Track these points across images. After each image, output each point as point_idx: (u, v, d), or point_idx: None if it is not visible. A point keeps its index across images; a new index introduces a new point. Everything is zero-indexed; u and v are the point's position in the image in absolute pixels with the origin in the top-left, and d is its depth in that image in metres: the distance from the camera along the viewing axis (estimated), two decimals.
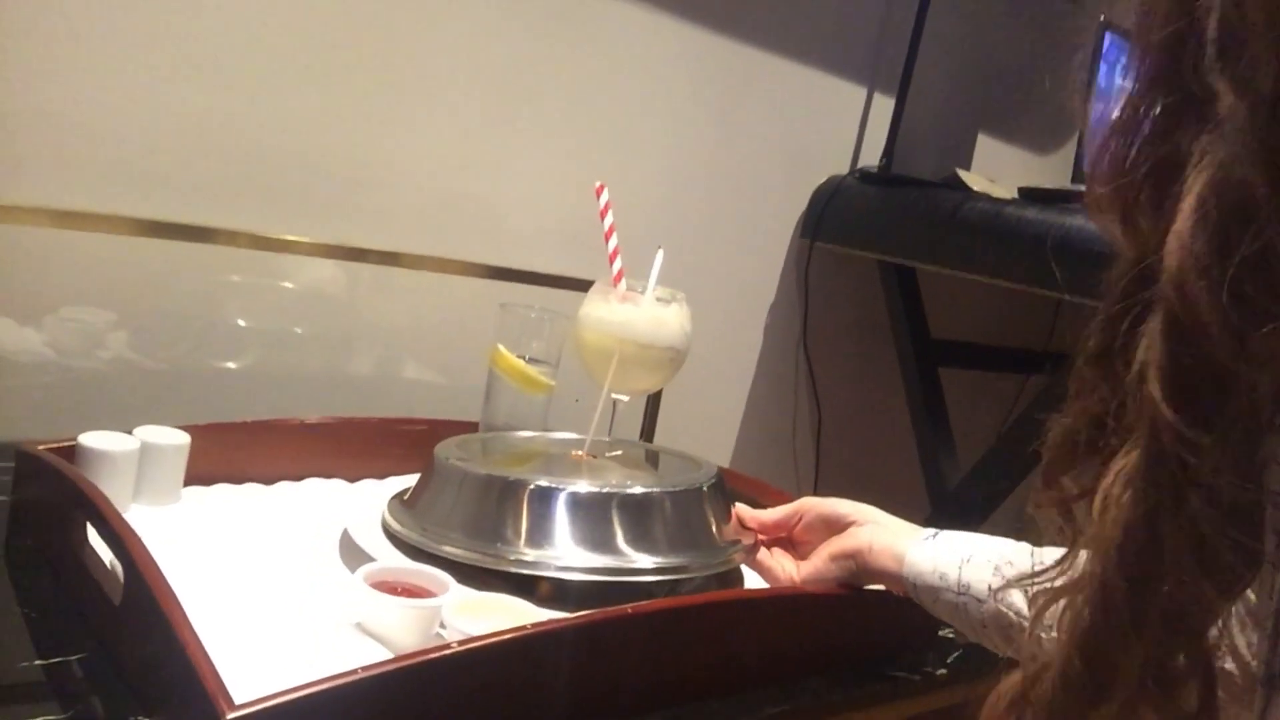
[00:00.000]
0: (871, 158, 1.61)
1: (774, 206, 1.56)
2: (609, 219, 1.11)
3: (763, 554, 0.85)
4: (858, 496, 1.18)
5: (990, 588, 0.71)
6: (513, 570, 0.76)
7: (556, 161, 1.32)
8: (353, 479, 1.01)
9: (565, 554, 0.77)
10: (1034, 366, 2.07)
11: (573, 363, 1.08)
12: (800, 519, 0.86)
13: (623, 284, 1.07)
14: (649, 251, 1.10)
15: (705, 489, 0.85)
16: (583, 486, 0.79)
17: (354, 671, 0.54)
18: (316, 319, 1.19)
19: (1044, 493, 0.46)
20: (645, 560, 0.78)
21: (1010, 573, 0.71)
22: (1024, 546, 0.74)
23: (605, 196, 1.12)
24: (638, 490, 0.81)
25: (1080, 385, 0.44)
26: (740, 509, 0.88)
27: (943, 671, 0.88)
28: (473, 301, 1.28)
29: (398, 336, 1.25)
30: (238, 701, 0.50)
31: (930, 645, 0.91)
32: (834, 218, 1.54)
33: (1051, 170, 1.96)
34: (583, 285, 1.36)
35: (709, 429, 1.58)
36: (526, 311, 1.06)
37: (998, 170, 1.75)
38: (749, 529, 0.87)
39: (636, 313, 1.03)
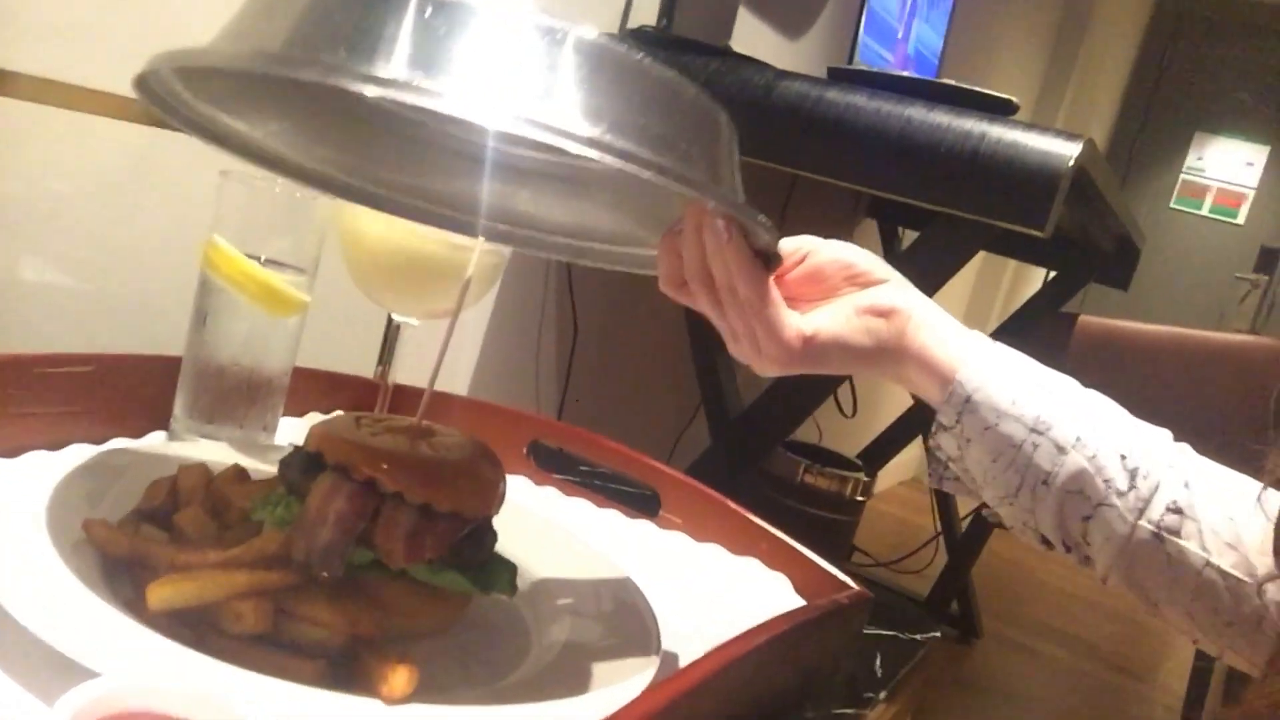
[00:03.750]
0: (644, 17, 1.33)
1: None
2: None
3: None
4: (613, 428, 0.91)
5: (1079, 437, 0.54)
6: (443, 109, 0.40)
7: None
8: None
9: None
10: None
11: (335, 269, 0.72)
12: (803, 260, 0.58)
13: None
14: None
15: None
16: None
17: None
18: None
19: None
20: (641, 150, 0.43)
21: (1103, 427, 0.55)
22: (1094, 395, 0.57)
23: None
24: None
25: None
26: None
27: (876, 694, 0.69)
28: (138, 158, 0.84)
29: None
30: None
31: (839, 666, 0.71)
32: None
33: (802, 57, 1.79)
34: None
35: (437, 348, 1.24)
36: (267, 187, 0.66)
37: (753, 52, 1.55)
38: None
39: None
